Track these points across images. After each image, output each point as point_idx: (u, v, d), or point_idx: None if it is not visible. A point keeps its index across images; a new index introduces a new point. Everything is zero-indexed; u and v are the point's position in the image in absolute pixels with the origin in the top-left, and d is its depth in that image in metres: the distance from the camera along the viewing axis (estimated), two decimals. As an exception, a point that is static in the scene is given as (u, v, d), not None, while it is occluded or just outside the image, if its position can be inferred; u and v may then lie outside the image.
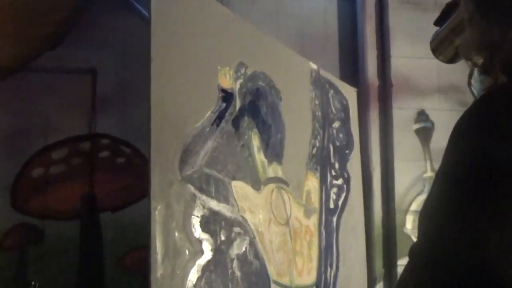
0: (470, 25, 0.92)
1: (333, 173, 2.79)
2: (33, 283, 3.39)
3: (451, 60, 1.28)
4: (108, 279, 3.59)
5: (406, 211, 3.69)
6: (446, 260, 0.75)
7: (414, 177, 3.72)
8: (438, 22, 1.29)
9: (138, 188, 3.46)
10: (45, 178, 3.62)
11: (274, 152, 2.44)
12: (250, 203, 2.24)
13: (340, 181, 2.83)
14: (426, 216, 0.82)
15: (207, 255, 2.02)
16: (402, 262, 3.60)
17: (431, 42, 1.32)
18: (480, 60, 0.91)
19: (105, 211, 3.65)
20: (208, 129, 2.12)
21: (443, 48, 1.27)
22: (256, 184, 2.30)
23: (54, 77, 3.69)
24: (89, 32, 3.72)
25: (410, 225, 3.65)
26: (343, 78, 3.70)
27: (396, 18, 3.85)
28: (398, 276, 0.88)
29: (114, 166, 3.72)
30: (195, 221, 2.01)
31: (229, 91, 2.25)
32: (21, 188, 3.60)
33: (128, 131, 3.60)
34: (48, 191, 3.61)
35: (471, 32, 0.92)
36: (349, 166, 2.93)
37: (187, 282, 1.92)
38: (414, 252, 0.82)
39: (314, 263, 2.56)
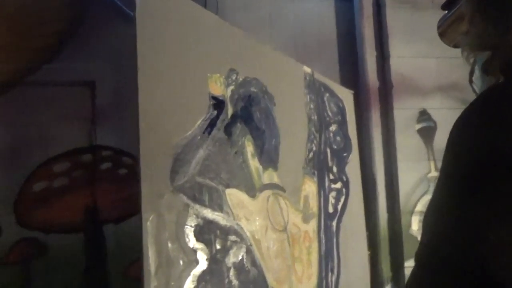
0: (471, 24, 0.92)
1: (331, 177, 2.76)
2: (38, 297, 3.39)
3: (457, 45, 1.30)
4: (113, 291, 3.58)
5: (412, 212, 3.65)
6: (445, 260, 0.73)
7: (419, 177, 3.69)
8: (446, 6, 1.30)
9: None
10: (48, 192, 3.62)
11: (269, 158, 2.41)
12: (246, 211, 2.22)
13: (338, 185, 2.79)
14: (429, 215, 0.82)
15: (202, 264, 1.99)
16: (409, 264, 3.55)
17: (438, 27, 1.36)
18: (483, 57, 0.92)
19: (108, 223, 3.64)
20: (199, 137, 2.09)
21: (449, 33, 1.30)
22: (251, 191, 2.27)
23: (53, 90, 3.69)
24: (86, 44, 3.72)
25: (416, 226, 3.61)
26: (343, 80, 3.67)
27: (393, 18, 3.82)
28: (406, 278, 0.88)
29: (116, 177, 3.72)
30: (189, 231, 1.98)
31: (220, 98, 2.22)
32: (24, 203, 3.60)
33: (128, 142, 3.59)
34: (50, 204, 3.61)
35: (471, 31, 0.92)
36: (347, 169, 2.89)
37: (183, 293, 1.90)
38: (418, 255, 0.82)
39: (314, 269, 2.52)
